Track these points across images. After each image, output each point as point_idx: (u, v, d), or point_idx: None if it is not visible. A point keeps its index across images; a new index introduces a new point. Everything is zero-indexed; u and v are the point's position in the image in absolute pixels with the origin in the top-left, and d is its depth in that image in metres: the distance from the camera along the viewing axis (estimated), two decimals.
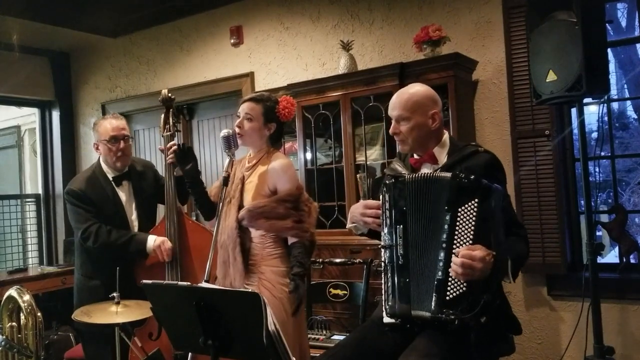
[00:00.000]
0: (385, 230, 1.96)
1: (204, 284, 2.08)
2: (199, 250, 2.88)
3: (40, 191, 5.59)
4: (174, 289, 1.95)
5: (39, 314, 2.68)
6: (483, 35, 3.51)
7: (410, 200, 1.91)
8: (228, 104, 4.57)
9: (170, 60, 4.92)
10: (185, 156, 2.67)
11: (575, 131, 3.30)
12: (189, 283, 1.97)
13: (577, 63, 2.59)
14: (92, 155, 4.90)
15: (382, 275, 1.97)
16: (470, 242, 1.78)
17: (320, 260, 3.41)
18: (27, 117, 6.01)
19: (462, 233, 1.79)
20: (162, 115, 3.02)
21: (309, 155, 3.80)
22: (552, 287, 3.32)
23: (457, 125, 3.21)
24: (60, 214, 5.39)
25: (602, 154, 3.42)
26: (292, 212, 2.39)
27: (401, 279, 1.91)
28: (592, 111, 4.05)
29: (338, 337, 3.07)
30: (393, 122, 2.10)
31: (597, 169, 3.26)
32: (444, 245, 1.82)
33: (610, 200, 5.03)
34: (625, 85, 6.00)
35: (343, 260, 3.32)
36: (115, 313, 2.50)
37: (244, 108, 2.53)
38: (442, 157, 2.07)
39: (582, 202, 2.86)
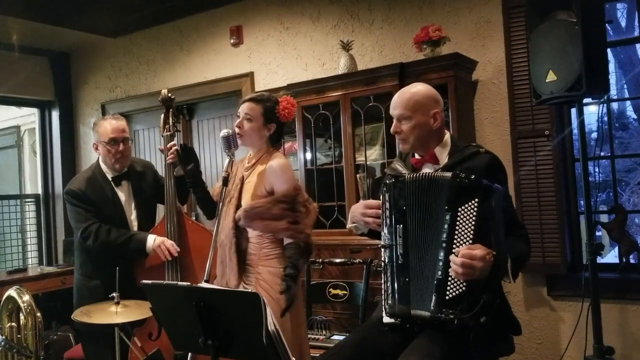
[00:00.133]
0: (385, 229, 1.96)
1: (203, 284, 2.08)
2: (199, 250, 2.88)
3: (39, 191, 5.58)
4: (173, 289, 1.95)
5: (38, 314, 2.68)
6: (483, 35, 3.51)
7: (411, 200, 1.91)
8: (228, 104, 4.57)
9: (170, 60, 4.92)
10: (187, 156, 2.67)
11: (575, 131, 3.30)
12: (188, 283, 1.97)
13: (577, 63, 2.59)
14: (91, 155, 4.89)
15: (382, 275, 1.97)
16: (470, 241, 1.78)
17: (320, 260, 3.41)
18: (27, 117, 6.01)
19: (462, 233, 1.79)
20: (162, 116, 3.02)
21: (308, 156, 3.80)
22: (552, 287, 3.32)
23: (457, 125, 3.21)
24: (60, 214, 5.39)
25: (602, 154, 3.42)
26: (288, 213, 2.37)
27: (401, 278, 1.91)
28: (592, 111, 4.05)
29: (338, 337, 3.07)
30: (394, 121, 2.10)
31: (596, 169, 3.25)
32: (443, 244, 1.81)
33: (610, 200, 5.02)
34: (625, 85, 6.00)
35: (343, 260, 3.32)
36: (115, 313, 2.50)
37: (243, 108, 2.53)
38: (443, 157, 2.07)
39: (582, 202, 2.86)
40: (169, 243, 2.84)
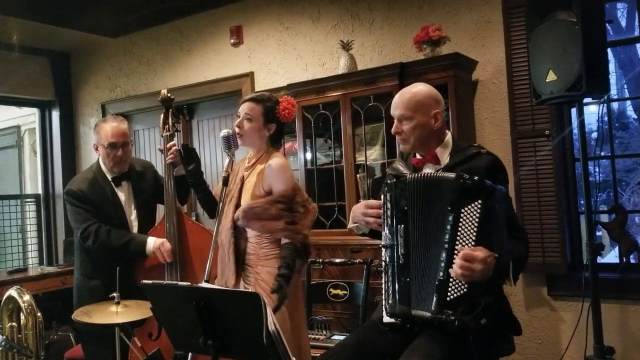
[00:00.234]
0: (386, 229, 1.95)
1: (203, 284, 2.08)
2: (199, 250, 2.88)
3: (40, 191, 5.58)
4: (173, 289, 1.95)
5: (39, 314, 2.67)
6: (483, 35, 3.51)
7: (412, 200, 1.91)
8: (228, 104, 4.57)
9: (170, 60, 4.92)
10: (189, 156, 2.67)
11: (575, 131, 3.30)
12: (188, 283, 1.97)
13: (577, 63, 2.59)
14: (92, 155, 4.90)
15: (383, 275, 1.97)
16: (473, 243, 1.77)
17: (321, 260, 3.41)
18: (27, 117, 6.01)
19: (465, 234, 1.79)
20: (162, 116, 3.02)
21: (308, 156, 3.80)
22: (552, 287, 3.32)
23: (457, 125, 3.21)
24: (60, 214, 5.39)
25: (602, 154, 3.42)
26: (285, 214, 2.37)
27: (402, 278, 1.91)
28: (592, 111, 4.05)
29: (338, 337, 3.07)
30: (395, 121, 2.10)
31: (597, 169, 3.25)
32: (445, 245, 1.81)
33: (610, 200, 5.02)
34: (625, 85, 6.00)
35: (343, 260, 3.32)
36: (115, 313, 2.50)
37: (244, 108, 2.53)
38: (445, 158, 2.07)
39: (582, 202, 2.86)
40: (168, 246, 2.84)
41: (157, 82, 4.97)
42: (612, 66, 5.55)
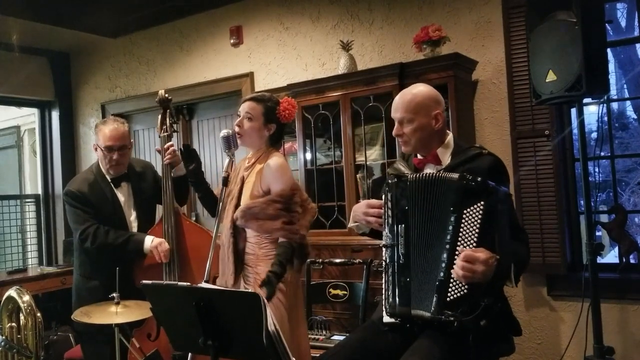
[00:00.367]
0: (387, 229, 1.95)
1: (203, 284, 2.08)
2: (197, 251, 2.89)
3: (39, 191, 5.58)
4: (173, 289, 1.95)
5: (38, 314, 2.67)
6: (483, 35, 3.50)
7: (413, 200, 1.90)
8: (228, 104, 4.57)
9: (170, 60, 4.92)
10: (189, 156, 2.68)
11: (575, 131, 3.30)
12: (188, 283, 1.97)
13: (576, 63, 2.59)
14: (91, 155, 4.90)
15: (383, 275, 1.97)
16: (475, 244, 1.77)
17: (320, 260, 3.41)
18: (27, 117, 6.01)
19: (466, 235, 1.78)
20: (159, 116, 3.02)
21: (308, 156, 3.80)
22: (552, 287, 3.32)
23: (457, 126, 3.20)
24: (59, 214, 5.39)
25: (602, 154, 3.42)
26: (283, 213, 2.36)
27: (402, 278, 1.91)
28: (592, 111, 4.05)
29: (338, 338, 3.07)
30: (396, 124, 2.10)
31: (596, 169, 3.25)
32: (447, 246, 1.81)
33: (610, 200, 5.02)
34: (625, 85, 6.00)
35: (343, 260, 3.32)
36: (115, 313, 2.50)
37: (244, 107, 2.53)
38: (446, 158, 2.07)
39: (582, 202, 2.86)
40: (165, 247, 2.84)
41: (157, 82, 4.96)
42: (612, 66, 5.56)
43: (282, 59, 4.30)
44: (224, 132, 2.49)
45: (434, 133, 2.07)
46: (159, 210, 3.13)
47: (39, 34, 4.91)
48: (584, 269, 2.91)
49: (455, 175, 1.84)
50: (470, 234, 1.78)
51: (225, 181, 2.46)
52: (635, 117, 6.22)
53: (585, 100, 3.08)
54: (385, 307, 1.95)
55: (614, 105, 5.72)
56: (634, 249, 3.15)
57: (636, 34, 4.86)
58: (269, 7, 4.35)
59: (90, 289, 2.93)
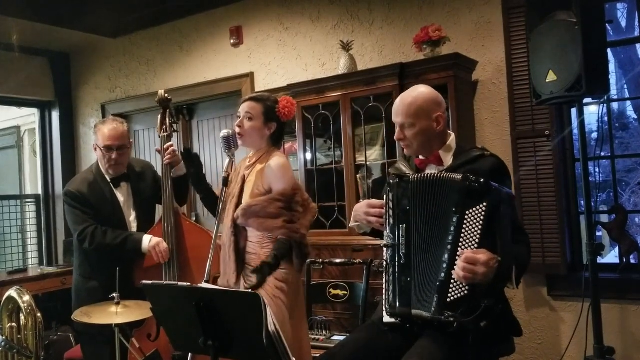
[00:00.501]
0: (388, 229, 1.95)
1: (204, 284, 2.08)
2: (196, 251, 2.89)
3: (40, 192, 5.58)
4: (173, 289, 1.95)
5: (38, 314, 2.67)
6: (483, 36, 3.50)
7: (415, 200, 1.90)
8: (228, 104, 4.57)
9: (170, 61, 4.92)
10: (189, 161, 2.69)
11: (575, 131, 3.30)
12: (188, 283, 1.97)
13: (577, 63, 2.59)
14: (91, 155, 4.90)
15: (384, 274, 1.97)
16: (476, 245, 1.77)
17: (321, 260, 3.41)
18: (27, 118, 6.01)
19: (468, 236, 1.78)
20: (159, 116, 3.02)
21: (308, 156, 3.80)
22: (552, 288, 3.32)
23: (457, 126, 3.20)
24: (60, 214, 5.39)
25: (602, 154, 3.42)
26: (284, 212, 2.36)
27: (403, 278, 1.90)
28: (592, 111, 4.05)
29: (338, 338, 3.07)
30: (397, 128, 2.09)
31: (597, 169, 3.26)
32: (448, 246, 1.81)
33: (610, 200, 5.02)
34: (625, 85, 6.01)
35: (343, 260, 3.32)
36: (115, 313, 2.50)
37: (244, 107, 2.53)
38: (448, 159, 2.06)
39: (582, 202, 2.86)
40: (163, 247, 2.84)
41: (157, 83, 4.96)
42: (612, 66, 5.55)
43: (282, 59, 4.30)
44: (224, 132, 2.49)
45: (435, 135, 2.06)
46: (159, 210, 3.13)
47: (39, 34, 4.91)
48: (584, 269, 2.91)
49: (459, 176, 1.84)
50: (471, 235, 1.78)
51: (226, 181, 2.46)
52: (636, 117, 6.22)
53: (586, 101, 3.08)
54: (386, 307, 1.95)
55: (614, 105, 5.72)
56: (634, 249, 3.15)
57: (636, 34, 4.87)
58: (269, 7, 4.35)
59: (90, 290, 2.93)
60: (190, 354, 2.26)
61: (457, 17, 3.58)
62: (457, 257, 1.78)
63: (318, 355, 2.18)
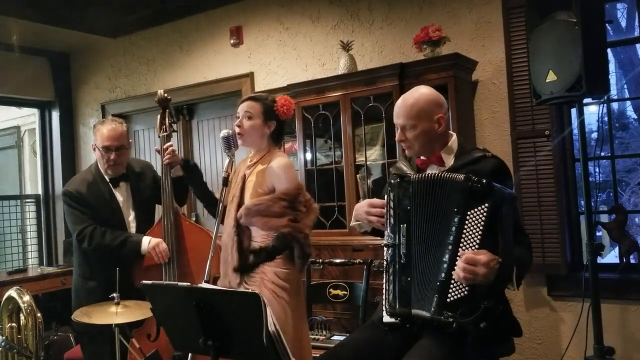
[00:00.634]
0: (389, 229, 1.95)
1: (204, 285, 2.08)
2: (196, 251, 2.88)
3: (40, 192, 5.58)
4: (173, 289, 1.95)
5: (38, 314, 2.67)
6: (483, 36, 3.50)
7: (416, 200, 1.90)
8: (228, 105, 4.56)
9: (170, 61, 4.92)
10: (190, 171, 2.72)
11: (575, 131, 3.30)
12: (188, 283, 1.97)
13: (577, 63, 2.59)
14: (91, 155, 4.88)
15: (384, 274, 1.96)
16: (477, 246, 1.76)
17: (321, 260, 3.41)
18: (27, 118, 6.01)
19: (469, 237, 1.78)
20: (159, 116, 3.02)
21: (308, 156, 3.80)
22: (552, 288, 3.32)
23: (457, 126, 3.20)
24: (60, 214, 5.39)
25: (602, 154, 3.42)
26: (288, 211, 2.36)
27: (403, 278, 1.90)
28: (592, 111, 4.05)
29: (338, 338, 3.07)
30: (398, 129, 2.09)
31: (597, 169, 3.26)
32: (449, 247, 1.80)
33: (610, 200, 5.02)
34: (625, 85, 6.01)
35: (343, 260, 3.32)
36: (115, 314, 2.50)
37: (242, 107, 2.54)
38: (449, 160, 2.06)
39: (582, 202, 2.86)
40: (163, 247, 2.84)
41: (157, 83, 4.96)
42: (612, 66, 5.56)
43: (282, 59, 4.30)
44: (224, 133, 2.49)
45: (436, 136, 2.06)
46: (159, 210, 3.13)
47: (39, 34, 4.91)
48: (584, 269, 2.91)
49: (461, 176, 1.83)
50: (472, 235, 1.77)
51: (226, 181, 2.46)
52: (636, 117, 6.22)
53: (586, 101, 3.08)
54: (386, 307, 1.95)
55: (614, 105, 5.72)
56: (634, 249, 3.15)
57: (636, 34, 4.87)
58: (269, 7, 4.35)
59: (89, 290, 2.93)
60: (190, 354, 2.26)
61: (457, 17, 3.58)
62: (457, 258, 1.77)
63: (318, 355, 2.17)
